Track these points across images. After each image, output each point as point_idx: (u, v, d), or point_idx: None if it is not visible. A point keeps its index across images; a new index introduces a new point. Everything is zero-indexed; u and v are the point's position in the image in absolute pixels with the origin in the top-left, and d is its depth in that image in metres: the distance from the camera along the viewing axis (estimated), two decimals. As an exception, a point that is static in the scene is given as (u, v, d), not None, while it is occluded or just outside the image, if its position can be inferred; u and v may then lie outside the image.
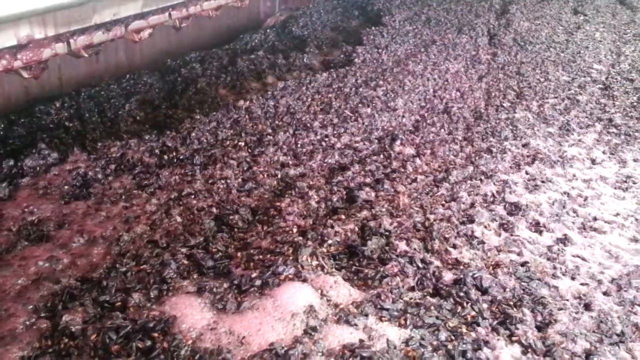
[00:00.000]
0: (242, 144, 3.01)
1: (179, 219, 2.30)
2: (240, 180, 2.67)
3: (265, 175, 2.73)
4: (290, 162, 2.88)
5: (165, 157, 2.80)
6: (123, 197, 2.44)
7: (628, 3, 6.63)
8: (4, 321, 1.74)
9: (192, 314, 1.79)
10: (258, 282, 1.91)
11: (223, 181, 2.61)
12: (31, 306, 1.81)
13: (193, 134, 3.01)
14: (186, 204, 2.42)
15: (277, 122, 3.31)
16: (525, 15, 5.91)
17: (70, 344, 1.67)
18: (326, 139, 3.16)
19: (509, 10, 6.00)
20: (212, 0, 3.17)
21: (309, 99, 3.65)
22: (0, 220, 2.19)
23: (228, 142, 3.01)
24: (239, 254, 2.09)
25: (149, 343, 1.67)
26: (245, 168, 2.78)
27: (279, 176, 2.75)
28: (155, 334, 1.70)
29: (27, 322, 1.74)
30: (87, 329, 1.70)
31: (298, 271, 1.97)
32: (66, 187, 2.47)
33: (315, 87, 3.83)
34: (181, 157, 2.83)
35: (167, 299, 1.84)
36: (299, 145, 3.05)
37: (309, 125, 3.29)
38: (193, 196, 2.48)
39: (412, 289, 2.00)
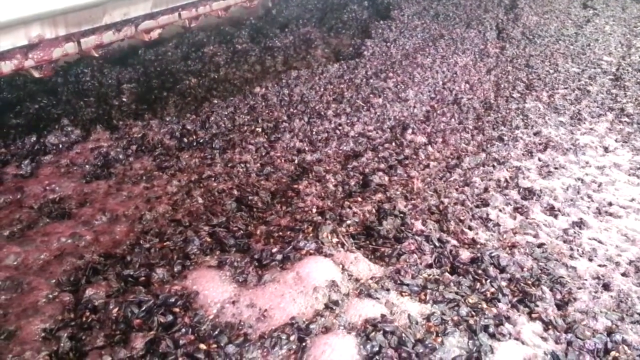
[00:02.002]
0: (259, 129, 3.03)
1: (200, 200, 2.31)
2: (259, 164, 2.69)
3: (283, 160, 2.75)
4: (307, 149, 2.90)
5: (185, 140, 2.82)
6: (144, 177, 2.45)
7: (637, -2, 6.63)
8: (26, 294, 1.74)
9: (213, 287, 1.79)
10: (279, 257, 1.91)
11: (242, 165, 2.64)
12: (54, 280, 1.81)
13: (212, 118, 3.03)
14: (207, 186, 2.43)
15: (292, 110, 3.33)
16: (534, 9, 5.92)
17: (92, 317, 1.67)
18: (340, 127, 3.18)
19: (517, 5, 6.02)
20: (222, 0, 3.19)
21: (322, 89, 3.68)
22: (22, 197, 2.21)
23: (245, 128, 3.04)
24: (258, 231, 2.11)
25: (170, 318, 1.67)
26: (263, 153, 2.80)
27: (296, 161, 2.76)
28: (177, 309, 1.70)
29: (50, 296, 1.74)
30: (110, 302, 1.70)
31: (319, 247, 1.97)
32: (87, 166, 2.48)
33: (327, 78, 3.85)
34: (201, 140, 2.85)
35: (188, 273, 1.85)
36: (314, 133, 3.07)
37: (322, 113, 3.31)
38: (213, 179, 2.50)
39: (429, 266, 2.01)
